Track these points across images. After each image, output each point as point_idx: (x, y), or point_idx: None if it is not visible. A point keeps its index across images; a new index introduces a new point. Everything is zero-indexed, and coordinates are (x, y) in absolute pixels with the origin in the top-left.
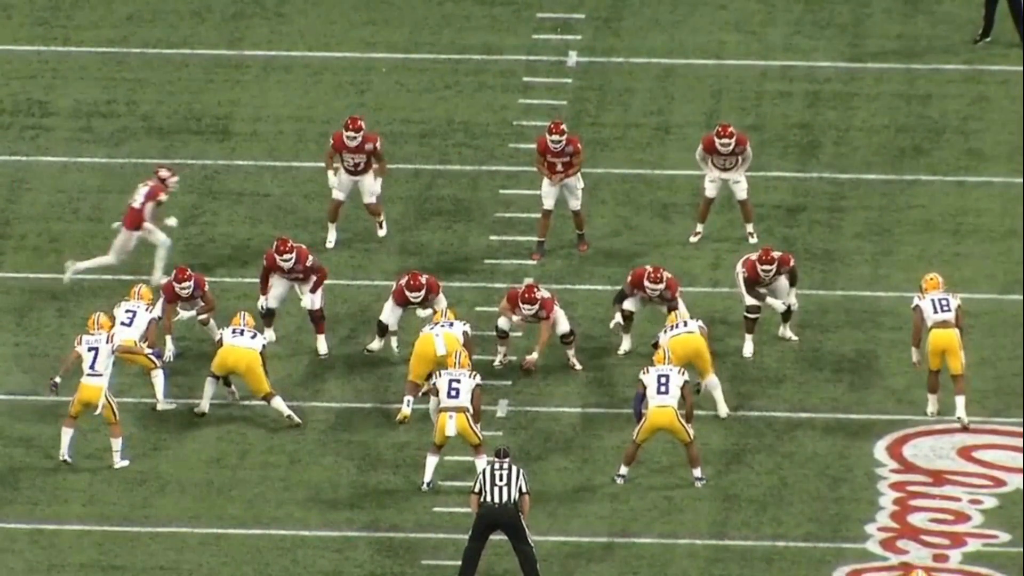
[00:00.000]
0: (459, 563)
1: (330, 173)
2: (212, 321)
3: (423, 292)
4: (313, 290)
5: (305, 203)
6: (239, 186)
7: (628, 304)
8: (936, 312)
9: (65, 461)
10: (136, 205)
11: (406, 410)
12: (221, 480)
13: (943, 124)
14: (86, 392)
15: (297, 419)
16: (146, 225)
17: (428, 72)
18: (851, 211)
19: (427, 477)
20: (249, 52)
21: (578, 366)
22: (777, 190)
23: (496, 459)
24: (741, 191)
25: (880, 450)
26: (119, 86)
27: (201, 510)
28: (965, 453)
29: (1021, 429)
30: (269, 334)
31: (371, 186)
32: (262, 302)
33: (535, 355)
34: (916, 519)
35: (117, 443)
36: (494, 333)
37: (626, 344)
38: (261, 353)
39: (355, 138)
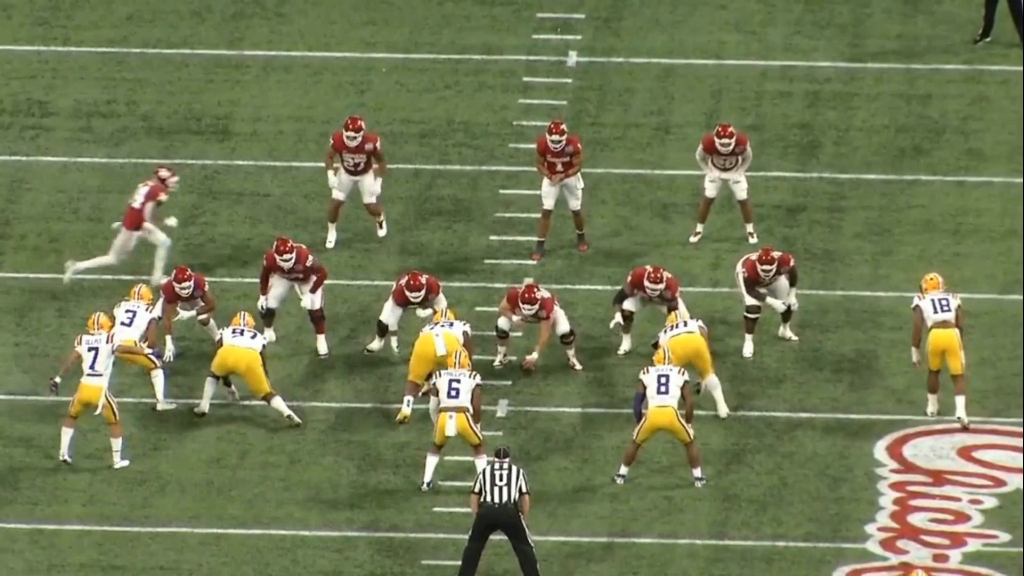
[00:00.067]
0: (459, 563)
1: (330, 173)
2: (212, 321)
3: (423, 292)
4: (313, 290)
5: (305, 203)
6: (239, 186)
7: (628, 304)
8: (936, 312)
9: (65, 461)
10: (136, 205)
11: (406, 410)
12: (221, 480)
13: (943, 124)
14: (86, 392)
15: (297, 419)
16: (146, 225)
17: (428, 72)
18: (851, 211)
19: (427, 477)
20: (249, 52)
21: (578, 366)
22: (777, 190)
23: (496, 459)
24: (741, 191)
25: (880, 450)
26: (119, 86)
27: (201, 510)
28: (965, 453)
29: (1021, 429)
30: (269, 334)
31: (371, 186)
32: (262, 302)
33: (535, 355)
34: (916, 519)
35: (117, 443)
36: (494, 333)
37: (626, 344)
38: (261, 353)
39: (355, 138)
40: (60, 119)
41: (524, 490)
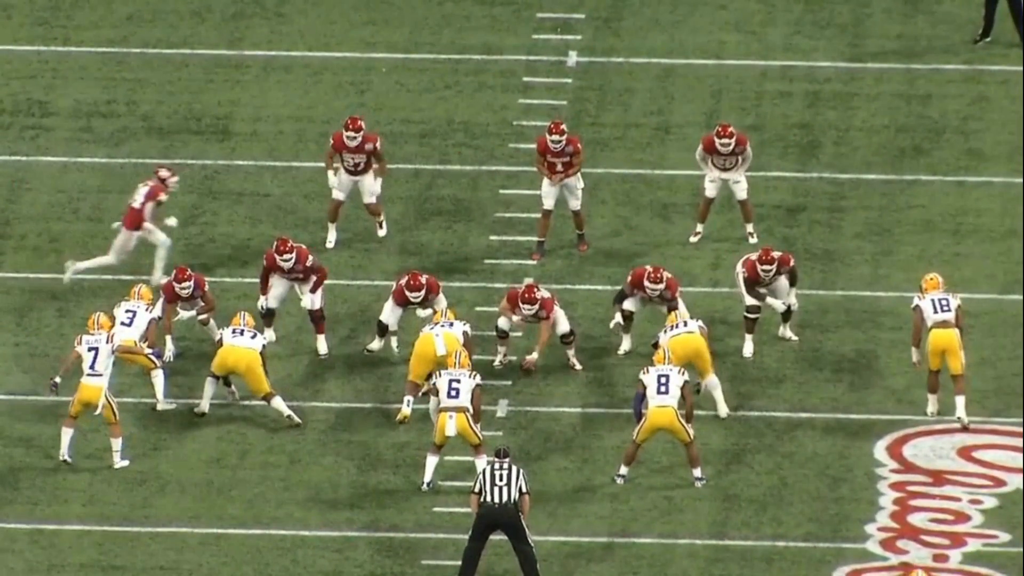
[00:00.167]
0: (459, 563)
1: (330, 173)
2: (212, 321)
3: (423, 292)
4: (313, 290)
5: (305, 203)
6: (239, 186)
7: (628, 304)
8: (936, 312)
9: (65, 461)
10: (136, 205)
11: (406, 410)
12: (221, 480)
13: (943, 124)
14: (86, 392)
15: (297, 419)
16: (146, 225)
17: (428, 72)
18: (851, 211)
19: (427, 477)
20: (249, 52)
21: (578, 366)
22: (777, 190)
23: (496, 459)
24: (741, 191)
25: (880, 450)
26: (119, 86)
27: (201, 510)
28: (965, 453)
29: (1021, 429)
30: (269, 334)
31: (371, 186)
32: (262, 302)
33: (535, 355)
34: (916, 519)
35: (117, 443)
36: (494, 333)
37: (626, 344)
38: (261, 353)
39: (355, 138)
40: (60, 119)
41: (524, 490)
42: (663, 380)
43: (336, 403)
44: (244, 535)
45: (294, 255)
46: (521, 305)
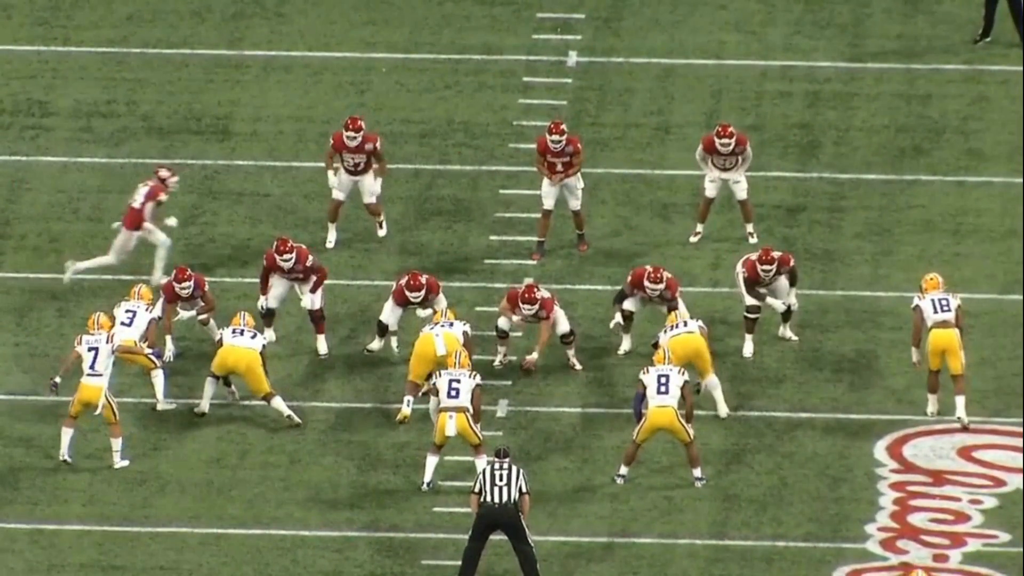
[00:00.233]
0: (459, 563)
1: (330, 173)
2: (212, 321)
3: (423, 292)
4: (313, 290)
5: (305, 203)
6: (239, 186)
7: (628, 304)
8: (936, 312)
9: (65, 461)
10: (136, 205)
11: (406, 410)
12: (221, 480)
13: (943, 124)
14: (86, 392)
15: (297, 419)
16: (146, 225)
17: (428, 72)
18: (851, 211)
19: (427, 477)
20: (249, 52)
21: (578, 366)
22: (777, 190)
23: (496, 459)
24: (741, 191)
25: (880, 450)
26: (119, 86)
27: (201, 510)
28: (965, 453)
29: (1021, 429)
30: (269, 334)
31: (371, 186)
32: (262, 302)
33: (535, 355)
34: (916, 519)
35: (117, 443)
36: (494, 333)
37: (626, 344)
38: (261, 353)
39: (355, 138)
40: (60, 119)
41: (524, 490)
42: (663, 380)
43: (336, 403)
44: (244, 535)
45: (294, 255)
46: (521, 305)
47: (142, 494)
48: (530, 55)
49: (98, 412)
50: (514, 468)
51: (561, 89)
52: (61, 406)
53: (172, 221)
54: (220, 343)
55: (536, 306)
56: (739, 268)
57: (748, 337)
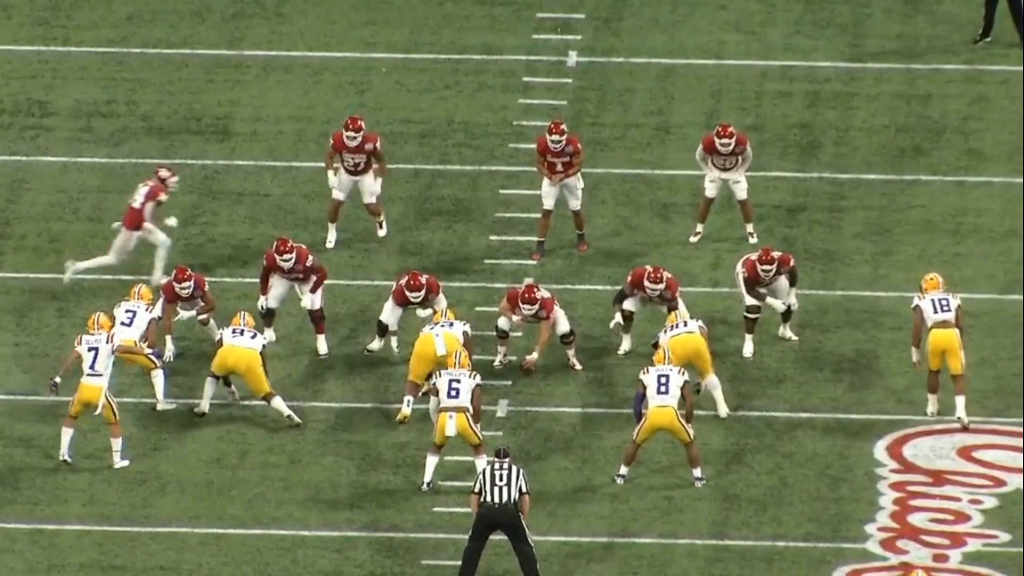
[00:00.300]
0: (459, 563)
1: (330, 173)
2: (212, 321)
3: (423, 292)
4: (313, 290)
5: (305, 203)
6: (239, 186)
7: (628, 304)
8: (936, 312)
9: (65, 461)
10: (136, 205)
11: (406, 410)
12: (221, 480)
13: (943, 124)
14: (86, 392)
15: (297, 419)
16: (146, 225)
17: (428, 72)
18: (851, 211)
19: (427, 477)
20: (249, 52)
21: (578, 366)
22: (777, 190)
23: (496, 459)
24: (741, 191)
25: (880, 450)
26: (119, 86)
27: (201, 510)
28: (965, 453)
29: (1021, 429)
30: (269, 334)
31: (371, 186)
32: (262, 302)
33: (535, 355)
34: (916, 519)
35: (117, 443)
36: (494, 333)
37: (626, 344)
38: (261, 353)
39: (355, 138)
40: (60, 119)
41: (524, 490)
42: (663, 380)
43: (336, 403)
44: (244, 535)
45: (294, 255)
46: (521, 305)
47: (142, 494)
48: (530, 55)
49: (98, 412)
50: (514, 468)
51: (561, 89)
52: (61, 406)
53: (172, 221)
54: (220, 343)
55: (536, 306)
56: (739, 268)
57: (748, 337)
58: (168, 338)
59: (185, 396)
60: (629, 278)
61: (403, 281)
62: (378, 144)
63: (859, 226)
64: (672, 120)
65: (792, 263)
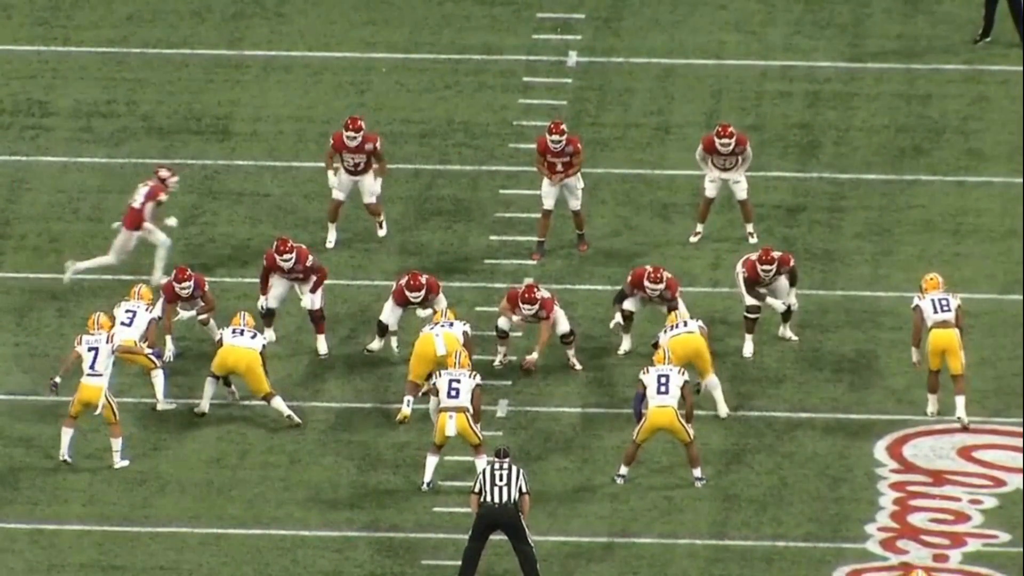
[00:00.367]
0: (459, 563)
1: (330, 173)
2: (212, 321)
3: (423, 292)
4: (313, 290)
5: (305, 203)
6: (239, 186)
7: (628, 304)
8: (936, 312)
9: (65, 461)
10: (136, 205)
11: (406, 410)
12: (221, 480)
13: (943, 124)
14: (86, 392)
15: (297, 419)
16: (146, 225)
17: (428, 72)
18: (851, 211)
19: (427, 477)
20: (249, 52)
21: (578, 366)
22: (777, 190)
23: (496, 459)
24: (741, 191)
25: (880, 450)
26: (119, 86)
27: (201, 510)
28: (965, 453)
29: (1021, 429)
30: (269, 334)
31: (371, 186)
32: (262, 302)
33: (535, 355)
34: (916, 519)
35: (117, 443)
36: (494, 333)
37: (626, 344)
38: (261, 353)
39: (355, 138)
40: (60, 119)
41: (524, 490)
42: (663, 380)
43: (336, 403)
44: (244, 535)
45: (294, 255)
46: (521, 305)
47: (142, 494)
48: (530, 55)
49: (98, 412)
50: (514, 468)
51: (561, 89)
52: (61, 406)
53: (172, 221)
54: (220, 343)
55: (536, 306)
56: (739, 268)
57: (748, 337)
58: (168, 338)
59: (185, 396)
60: (629, 278)
61: (403, 281)
62: (378, 144)
63: (859, 226)
64: (672, 120)
65: (792, 263)
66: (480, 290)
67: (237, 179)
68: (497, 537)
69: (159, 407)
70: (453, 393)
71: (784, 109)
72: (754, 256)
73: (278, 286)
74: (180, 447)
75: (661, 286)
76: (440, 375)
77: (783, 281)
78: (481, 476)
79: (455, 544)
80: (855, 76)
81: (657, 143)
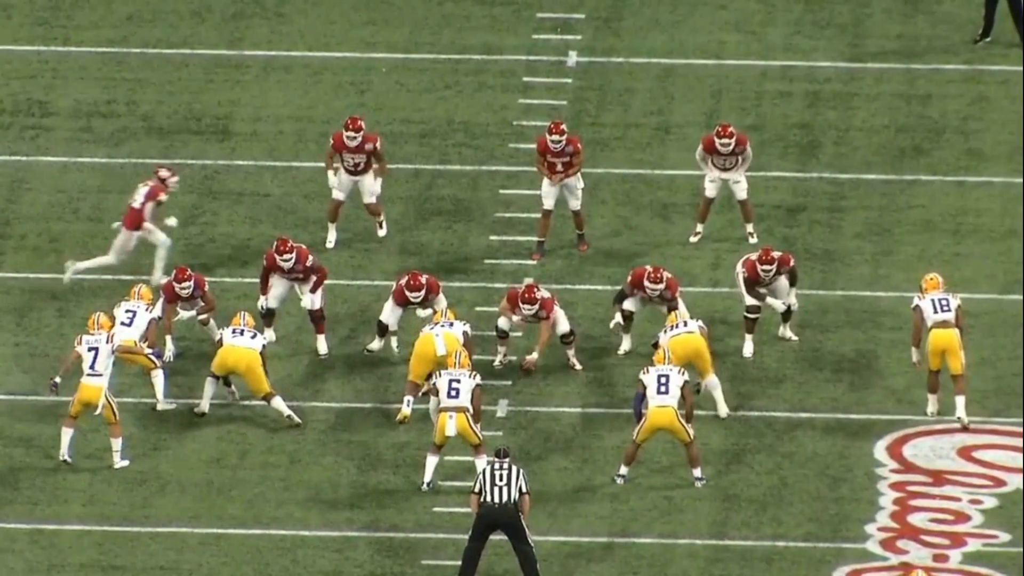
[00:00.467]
0: (459, 563)
1: (330, 173)
2: (212, 321)
3: (423, 292)
4: (313, 290)
5: (305, 203)
6: (239, 186)
7: (628, 304)
8: (936, 312)
9: (65, 461)
10: (136, 205)
11: (406, 410)
12: (221, 480)
13: (943, 124)
14: (86, 392)
15: (297, 419)
16: (146, 225)
17: (428, 72)
18: (851, 211)
19: (427, 477)
20: (249, 52)
21: (578, 366)
22: (777, 190)
23: (496, 459)
24: (741, 191)
25: (880, 450)
26: (119, 86)
27: (201, 510)
28: (965, 453)
29: (1021, 429)
30: (269, 334)
31: (371, 186)
32: (262, 302)
33: (535, 355)
34: (916, 519)
35: (117, 443)
36: (494, 333)
37: (626, 344)
38: (261, 353)
39: (355, 138)
40: (60, 119)
41: (524, 490)
42: (663, 380)
43: (336, 403)
44: (244, 535)
45: (294, 255)
46: (521, 305)
47: (142, 494)
48: (530, 55)
49: (98, 412)
50: (514, 468)
51: (561, 89)
52: (61, 406)
53: (172, 221)
54: (220, 343)
55: (536, 306)
56: (739, 268)
57: (748, 337)
58: (168, 338)
59: (185, 396)
60: (629, 278)
61: (403, 281)
62: (378, 144)
63: (859, 226)
64: (672, 120)
65: (792, 263)
66: (480, 290)
67: (237, 179)
68: (497, 537)
69: (159, 407)
70: (453, 393)
71: (784, 109)
72: (754, 256)
73: (278, 286)
74: (180, 447)
75: (661, 286)
76: (440, 375)
77: (783, 281)
78: (481, 476)
79: (455, 544)
80: (855, 76)
81: (657, 143)
